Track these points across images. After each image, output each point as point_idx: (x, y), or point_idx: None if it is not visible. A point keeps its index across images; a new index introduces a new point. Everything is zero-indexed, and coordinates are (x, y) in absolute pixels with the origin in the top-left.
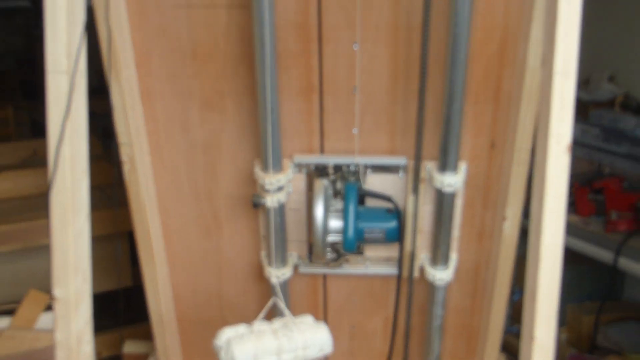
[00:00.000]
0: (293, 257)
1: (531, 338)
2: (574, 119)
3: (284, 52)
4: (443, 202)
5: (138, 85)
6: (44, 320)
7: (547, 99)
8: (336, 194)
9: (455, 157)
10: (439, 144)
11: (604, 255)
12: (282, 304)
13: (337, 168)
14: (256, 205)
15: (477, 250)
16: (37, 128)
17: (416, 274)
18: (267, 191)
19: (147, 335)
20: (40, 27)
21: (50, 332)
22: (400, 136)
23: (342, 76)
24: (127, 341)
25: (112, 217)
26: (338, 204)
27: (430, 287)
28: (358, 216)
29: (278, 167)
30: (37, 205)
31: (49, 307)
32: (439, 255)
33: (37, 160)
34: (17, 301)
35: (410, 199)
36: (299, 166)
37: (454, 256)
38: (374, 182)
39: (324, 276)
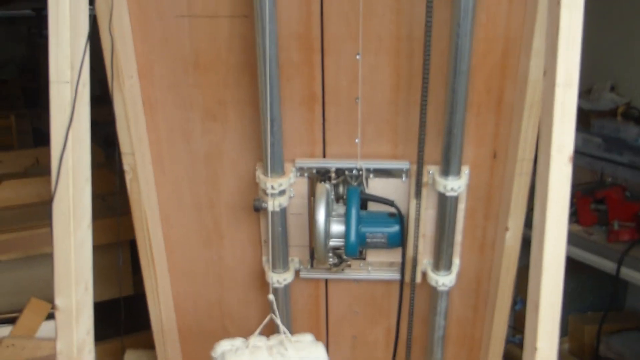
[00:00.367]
0: (294, 262)
1: (534, 349)
2: (575, 129)
3: (286, 62)
4: (446, 206)
5: (140, 95)
6: (45, 328)
7: (549, 109)
8: (338, 198)
9: (458, 161)
10: (441, 154)
11: (607, 265)
12: (278, 320)
13: (340, 172)
14: (257, 209)
15: (479, 261)
16: (39, 136)
17: (418, 279)
18: (268, 195)
19: (148, 344)
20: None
21: (52, 340)
22: (403, 145)
23: (345, 86)
24: (128, 350)
25: (114, 226)
26: (340, 209)
27: (432, 296)
28: (360, 220)
29: (280, 171)
30: (38, 213)
31: (50, 316)
32: (441, 260)
33: (39, 169)
34: (19, 310)
35: (413, 203)
36: (300, 170)
37: (456, 261)
38: (376, 187)
39: (326, 281)
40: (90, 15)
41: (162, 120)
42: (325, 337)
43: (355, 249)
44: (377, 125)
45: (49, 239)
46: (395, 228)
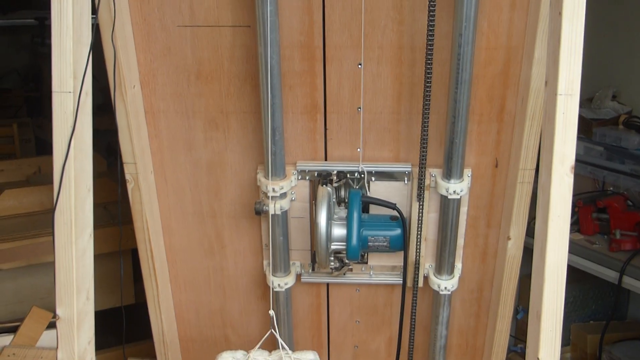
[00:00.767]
0: (296, 266)
1: (536, 358)
2: (577, 137)
3: (288, 72)
4: (448, 209)
5: (143, 105)
6: (46, 338)
7: (550, 119)
8: (340, 201)
9: (461, 164)
10: (444, 161)
11: (609, 274)
12: (278, 335)
13: (341, 175)
14: (258, 212)
15: (481, 269)
16: (41, 145)
17: (420, 283)
18: (269, 198)
19: (150, 353)
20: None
21: (53, 349)
22: (405, 155)
23: (347, 95)
24: (129, 359)
25: (115, 235)
26: (342, 212)
27: (434, 301)
28: (362, 224)
29: (281, 174)
30: (40, 222)
31: (51, 325)
32: (443, 263)
33: (41, 178)
34: (20, 318)
35: (415, 206)
36: (302, 173)
37: (458, 265)
38: (378, 190)
39: (327, 290)
40: (92, 25)
41: (164, 130)
42: (326, 346)
43: (357, 253)
44: (379, 134)
45: (50, 248)
46: (397, 231)
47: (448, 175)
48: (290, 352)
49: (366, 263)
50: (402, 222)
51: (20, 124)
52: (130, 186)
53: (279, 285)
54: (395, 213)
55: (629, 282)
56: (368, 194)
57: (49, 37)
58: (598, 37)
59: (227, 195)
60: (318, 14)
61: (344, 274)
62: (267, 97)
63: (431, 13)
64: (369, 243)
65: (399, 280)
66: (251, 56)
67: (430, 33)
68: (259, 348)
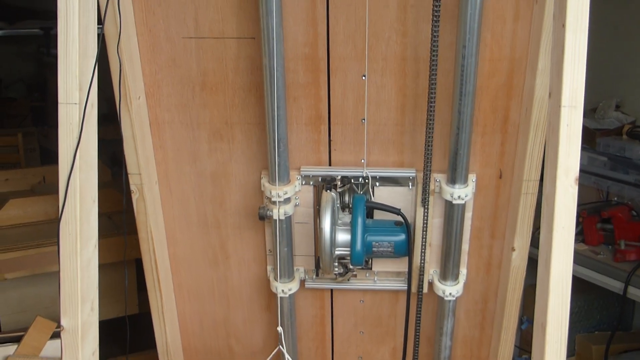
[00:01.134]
0: (300, 271)
1: None
2: (581, 148)
3: (292, 83)
4: (453, 215)
5: (148, 115)
6: (50, 348)
7: (554, 131)
8: (344, 207)
9: (465, 169)
10: (448, 170)
11: (613, 284)
12: (284, 350)
13: (345, 180)
14: (262, 217)
15: (485, 281)
16: (46, 154)
17: (425, 289)
18: (273, 203)
19: None
20: (51, 54)
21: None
22: (409, 160)
23: (351, 106)
24: None
25: (120, 245)
26: (346, 217)
27: (439, 307)
28: (366, 229)
29: (285, 179)
30: (45, 232)
31: (55, 335)
32: (448, 269)
33: (46, 187)
34: (24, 328)
35: (420, 211)
36: (306, 178)
37: (463, 271)
38: (382, 195)
39: (331, 300)
40: (98, 36)
41: (169, 140)
42: (330, 357)
43: (361, 258)
44: (383, 145)
45: (55, 258)
46: (402, 237)
47: (453, 179)
48: None
49: (370, 269)
50: (406, 227)
51: (25, 134)
52: (135, 197)
53: (282, 291)
54: (399, 218)
55: (634, 292)
56: (372, 199)
57: (55, 47)
58: (601, 47)
59: (232, 205)
60: (322, 25)
61: (348, 280)
62: (271, 109)
63: (435, 25)
64: (373, 248)
65: (403, 286)
66: (256, 68)
67: (434, 45)
68: None
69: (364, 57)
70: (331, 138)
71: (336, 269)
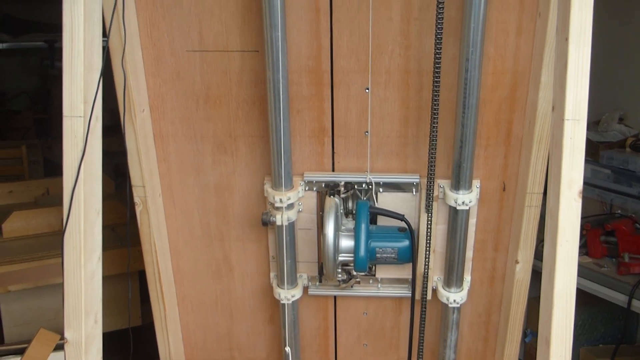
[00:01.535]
0: (303, 278)
1: None
2: (584, 160)
3: (296, 96)
4: (457, 221)
5: (152, 128)
6: None
7: (558, 145)
8: (347, 213)
9: (469, 174)
10: (451, 178)
11: (618, 297)
12: None
13: (349, 186)
14: (265, 223)
15: (489, 294)
16: (49, 167)
17: (429, 296)
18: (277, 209)
19: None
20: (55, 67)
21: None
22: (412, 167)
23: (354, 119)
24: None
25: (123, 256)
26: (349, 224)
27: (442, 315)
28: (370, 235)
29: (288, 185)
30: (49, 244)
31: (58, 347)
32: (452, 276)
33: (50, 199)
34: (27, 340)
35: (423, 217)
36: (309, 184)
37: (467, 278)
38: (386, 201)
39: (335, 312)
40: (103, 48)
41: (172, 153)
42: None
43: (364, 264)
44: (386, 157)
45: (58, 270)
46: (406, 243)
47: (457, 185)
48: None
49: (374, 275)
50: (410, 233)
51: (29, 146)
52: (138, 209)
53: (285, 297)
54: (403, 224)
55: (638, 305)
56: (376, 205)
57: (59, 60)
58: (604, 60)
59: (235, 218)
60: (326, 39)
61: (352, 287)
62: (275, 121)
63: (438, 38)
64: (377, 255)
65: (407, 293)
66: (259, 80)
67: (437, 58)
68: None
69: (367, 70)
70: (334, 150)
71: (340, 276)
